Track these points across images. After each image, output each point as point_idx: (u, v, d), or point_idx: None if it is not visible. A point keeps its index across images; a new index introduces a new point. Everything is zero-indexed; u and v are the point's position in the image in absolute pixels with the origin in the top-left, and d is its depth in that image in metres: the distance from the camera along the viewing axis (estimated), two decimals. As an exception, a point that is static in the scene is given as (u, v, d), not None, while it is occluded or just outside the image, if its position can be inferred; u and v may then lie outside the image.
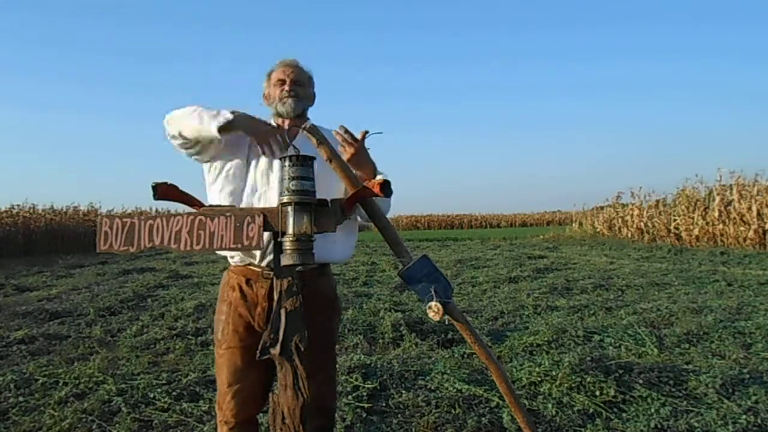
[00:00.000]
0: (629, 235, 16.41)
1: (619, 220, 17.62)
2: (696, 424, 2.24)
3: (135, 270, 8.93)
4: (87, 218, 17.99)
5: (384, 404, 2.57)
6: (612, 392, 2.52)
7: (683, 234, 13.69)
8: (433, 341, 3.66)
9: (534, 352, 3.37)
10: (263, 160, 1.50)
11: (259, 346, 1.29)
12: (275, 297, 1.31)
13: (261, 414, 1.64)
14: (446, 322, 1.28)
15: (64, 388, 2.82)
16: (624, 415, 2.39)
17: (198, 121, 1.39)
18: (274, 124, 1.58)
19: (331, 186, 1.49)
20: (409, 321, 4.00)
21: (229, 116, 1.38)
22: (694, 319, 4.06)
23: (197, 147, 1.46)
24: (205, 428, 2.34)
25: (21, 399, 2.70)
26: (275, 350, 1.27)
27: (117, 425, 2.39)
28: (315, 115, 1.65)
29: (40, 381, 2.95)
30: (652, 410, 2.38)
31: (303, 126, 1.50)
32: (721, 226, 12.62)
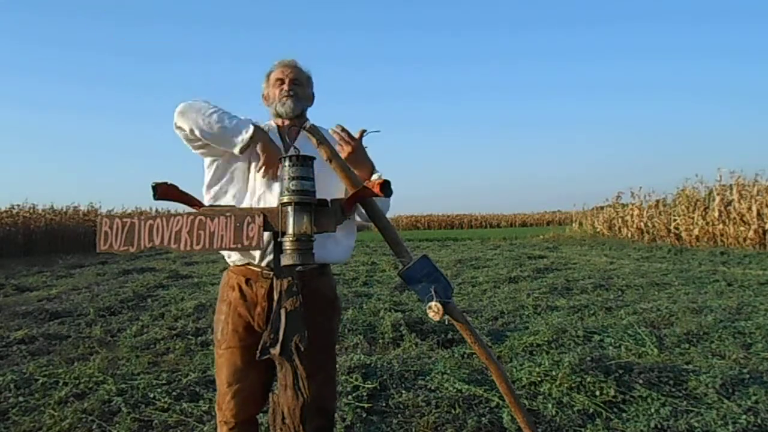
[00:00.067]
0: (629, 235, 16.40)
1: (619, 220, 17.62)
2: (696, 424, 2.24)
3: (135, 270, 8.93)
4: (87, 218, 17.99)
5: (384, 404, 2.56)
6: (612, 392, 2.52)
7: (683, 234, 13.69)
8: (433, 341, 3.66)
9: (534, 352, 3.37)
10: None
11: (259, 346, 1.29)
12: (275, 297, 1.31)
13: (261, 414, 1.64)
14: (446, 322, 1.28)
15: (64, 388, 2.82)
16: (624, 415, 2.39)
17: (219, 131, 1.39)
18: (273, 124, 1.58)
19: (331, 186, 1.49)
20: (409, 321, 4.00)
21: (251, 132, 1.40)
22: (694, 319, 4.06)
23: (201, 142, 1.45)
24: (205, 428, 2.34)
25: (21, 399, 2.70)
26: (275, 350, 1.27)
27: (117, 425, 2.39)
28: (314, 115, 1.65)
29: (40, 381, 2.95)
30: (652, 410, 2.38)
31: (303, 126, 1.50)
32: (721, 226, 12.62)
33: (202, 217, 1.25)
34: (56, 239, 16.18)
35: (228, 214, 1.26)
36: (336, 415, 2.17)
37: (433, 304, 1.24)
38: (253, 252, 1.44)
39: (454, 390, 2.64)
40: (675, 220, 14.13)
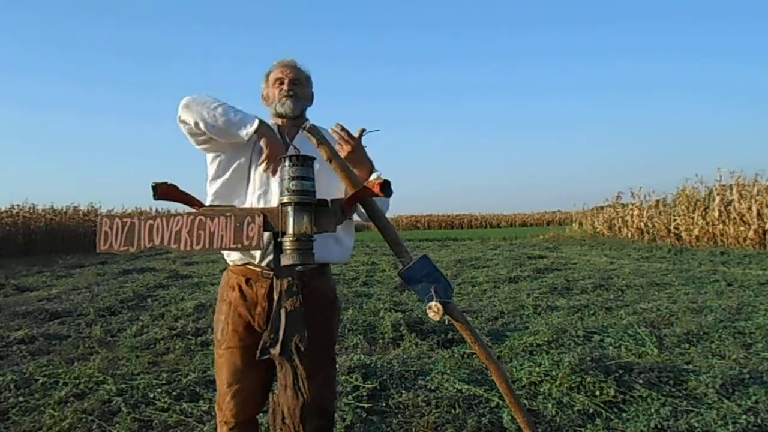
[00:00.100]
0: (629, 235, 16.40)
1: (619, 220, 17.61)
2: (696, 424, 2.24)
3: (135, 270, 8.93)
4: (87, 218, 17.98)
5: (384, 404, 2.56)
6: (612, 392, 2.52)
7: (683, 234, 13.68)
8: (433, 341, 3.66)
9: (534, 352, 3.37)
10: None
11: (259, 346, 1.29)
12: (275, 297, 1.31)
13: (261, 414, 1.64)
14: (446, 322, 1.28)
15: (64, 388, 2.82)
16: (624, 415, 2.39)
17: (224, 124, 1.37)
18: (273, 124, 1.58)
19: (331, 186, 1.49)
20: (409, 321, 4.00)
21: (256, 125, 1.38)
22: (694, 319, 4.06)
23: (206, 136, 1.44)
24: (205, 428, 2.34)
25: (21, 399, 2.70)
26: (275, 350, 1.27)
27: (117, 425, 2.39)
28: (314, 115, 1.65)
29: (40, 381, 2.95)
30: (652, 410, 2.38)
31: (303, 126, 1.50)
32: (721, 226, 12.62)
33: (202, 217, 1.25)
34: (56, 239, 16.18)
35: (228, 214, 1.26)
36: (336, 415, 2.17)
37: (433, 304, 1.24)
38: (253, 252, 1.44)
39: (454, 390, 2.64)
40: (675, 220, 14.13)
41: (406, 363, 3.11)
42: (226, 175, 1.50)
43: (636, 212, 16.35)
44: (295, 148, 1.33)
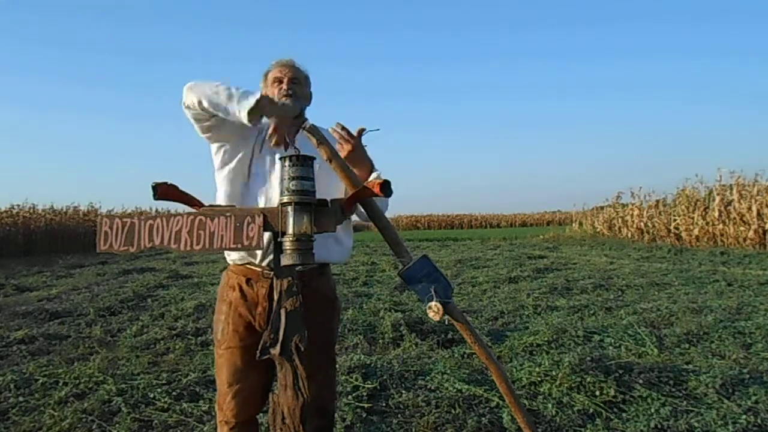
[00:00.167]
0: (629, 235, 16.40)
1: (619, 220, 17.62)
2: (696, 424, 2.24)
3: (135, 270, 8.93)
4: (87, 218, 17.99)
5: (384, 404, 2.56)
6: (612, 392, 2.52)
7: (683, 234, 13.68)
8: (433, 341, 3.66)
9: (534, 352, 3.37)
10: (267, 155, 1.50)
11: (259, 346, 1.29)
12: (275, 297, 1.31)
13: (261, 414, 1.64)
14: (446, 322, 1.28)
15: (64, 388, 2.82)
16: (624, 415, 2.39)
17: (226, 97, 1.33)
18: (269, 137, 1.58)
19: (331, 186, 1.49)
20: (409, 321, 4.00)
21: (258, 96, 1.32)
22: (694, 319, 4.06)
23: (212, 120, 1.42)
24: (205, 428, 2.34)
25: (21, 399, 2.70)
26: (275, 350, 1.27)
27: (117, 425, 2.39)
28: (314, 114, 1.65)
29: (40, 381, 2.95)
30: (652, 410, 2.38)
31: (303, 126, 1.50)
32: (721, 226, 12.62)
33: (202, 217, 1.25)
34: (56, 239, 16.18)
35: (228, 214, 1.26)
36: (336, 415, 2.17)
37: (433, 304, 1.24)
38: (253, 251, 1.44)
39: (454, 390, 2.64)
40: (675, 220, 14.13)
41: (406, 363, 3.12)
42: (232, 164, 1.49)
43: (636, 212, 16.36)
44: (295, 148, 1.32)
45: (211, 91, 1.34)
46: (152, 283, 7.06)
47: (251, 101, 1.30)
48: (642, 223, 15.71)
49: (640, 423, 2.27)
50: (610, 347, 3.42)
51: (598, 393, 2.54)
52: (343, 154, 1.42)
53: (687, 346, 3.45)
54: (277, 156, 1.48)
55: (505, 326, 4.23)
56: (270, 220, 1.25)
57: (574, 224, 23.64)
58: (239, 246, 1.24)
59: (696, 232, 13.22)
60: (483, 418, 2.33)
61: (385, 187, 1.22)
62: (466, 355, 3.28)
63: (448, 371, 2.91)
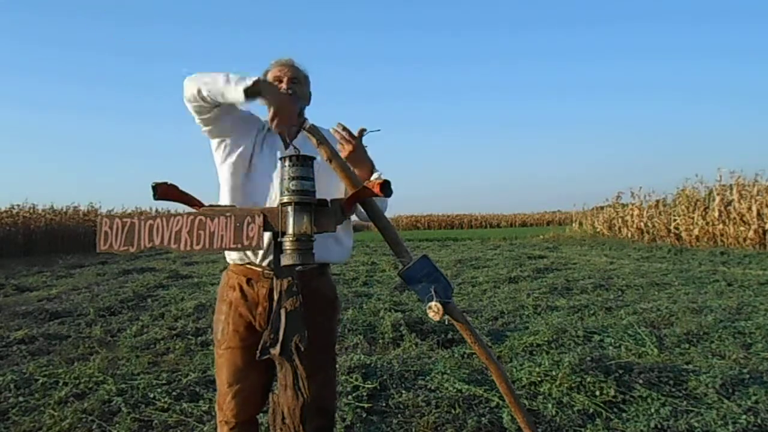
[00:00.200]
0: (629, 235, 16.40)
1: (619, 220, 17.62)
2: (696, 424, 2.24)
3: (135, 270, 8.93)
4: (87, 218, 17.99)
5: (384, 404, 2.56)
6: (612, 392, 2.52)
7: (683, 234, 13.69)
8: (433, 341, 3.66)
9: (534, 352, 3.37)
10: (267, 150, 1.50)
11: (259, 346, 1.29)
12: (275, 297, 1.31)
13: (261, 414, 1.64)
14: (446, 322, 1.28)
15: (64, 388, 2.82)
16: (624, 415, 2.39)
17: (223, 82, 1.34)
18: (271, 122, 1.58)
19: (331, 186, 1.49)
20: (409, 321, 4.00)
21: (255, 78, 1.33)
22: (694, 319, 4.06)
23: (213, 112, 1.42)
24: (205, 428, 2.34)
25: (21, 399, 2.70)
26: (275, 350, 1.27)
27: (117, 425, 2.39)
28: (315, 114, 1.65)
29: (40, 381, 2.95)
30: (652, 410, 2.38)
31: (303, 126, 1.50)
32: (721, 226, 12.62)
33: (202, 217, 1.25)
34: (56, 239, 16.19)
35: (228, 214, 1.26)
36: (336, 415, 2.17)
37: (433, 304, 1.24)
38: (254, 251, 1.44)
39: (454, 390, 2.64)
40: (675, 220, 14.13)
41: (406, 363, 3.12)
42: (232, 158, 1.49)
43: (636, 212, 16.36)
44: (295, 148, 1.32)
45: (209, 78, 1.36)
46: (152, 283, 7.06)
47: (248, 81, 1.31)
48: (642, 223, 15.72)
49: (640, 423, 2.27)
50: (610, 347, 3.42)
51: (598, 393, 2.54)
52: (344, 154, 1.42)
53: (687, 346, 3.45)
54: (278, 153, 1.48)
55: (505, 326, 4.23)
56: (270, 220, 1.25)
57: (574, 224, 23.65)
58: (239, 246, 1.24)
59: (696, 232, 13.23)
60: (483, 418, 2.33)
61: (385, 187, 1.22)
62: (466, 355, 3.28)
63: (448, 371, 2.91)
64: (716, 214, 12.78)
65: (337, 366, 1.69)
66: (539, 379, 2.72)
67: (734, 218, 12.27)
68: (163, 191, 1.25)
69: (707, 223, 13.06)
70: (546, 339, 3.52)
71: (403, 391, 2.67)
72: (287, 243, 1.22)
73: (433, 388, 2.72)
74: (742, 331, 3.69)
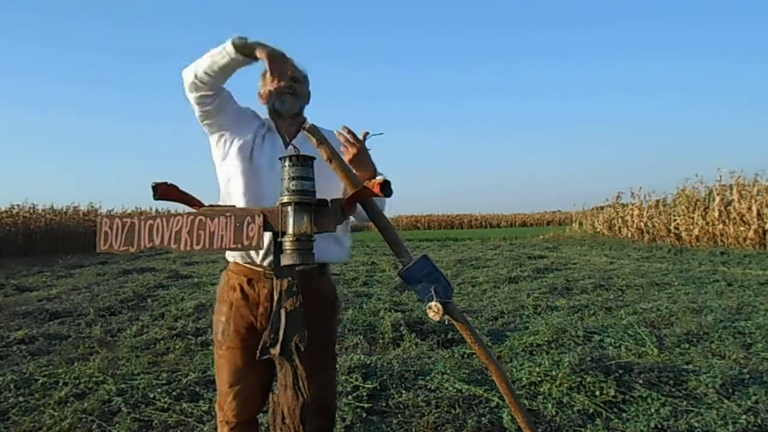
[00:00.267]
0: (629, 235, 16.40)
1: (619, 220, 17.62)
2: (696, 424, 2.24)
3: (135, 270, 8.93)
4: (87, 218, 17.99)
5: (384, 404, 2.57)
6: (612, 392, 2.52)
7: (683, 234, 13.69)
8: (433, 341, 3.66)
9: (534, 352, 3.37)
10: (267, 147, 1.51)
11: (259, 346, 1.29)
12: (275, 297, 1.31)
13: (261, 414, 1.64)
14: (446, 322, 1.28)
15: (64, 388, 2.82)
16: (624, 415, 2.39)
17: (214, 51, 1.36)
18: (272, 121, 1.58)
19: (331, 186, 1.49)
20: (409, 321, 4.00)
21: (245, 38, 1.35)
22: (694, 319, 4.06)
23: (215, 103, 1.43)
24: (205, 428, 2.34)
25: (21, 399, 2.70)
26: (275, 350, 1.27)
27: (117, 425, 2.39)
28: (315, 114, 1.65)
29: (40, 381, 2.95)
30: (652, 410, 2.38)
31: (303, 126, 1.50)
32: (721, 226, 12.62)
33: (202, 217, 1.25)
34: (56, 239, 16.19)
35: (228, 214, 1.26)
36: (336, 415, 2.17)
37: (433, 304, 1.24)
38: (254, 252, 1.44)
39: (454, 390, 2.64)
40: (675, 220, 14.13)
41: (406, 363, 3.12)
42: (233, 151, 1.50)
43: (636, 212, 16.36)
44: (295, 147, 1.32)
45: (203, 61, 1.39)
46: (152, 283, 7.06)
47: (233, 37, 1.34)
48: (642, 223, 15.72)
49: (640, 423, 2.27)
50: (610, 347, 3.42)
51: (598, 393, 2.54)
52: (348, 157, 1.42)
53: (687, 346, 3.45)
54: (279, 152, 1.48)
55: (505, 326, 4.23)
56: (270, 220, 1.25)
57: (574, 224, 23.65)
58: (239, 246, 1.24)
59: (696, 232, 13.23)
60: (483, 418, 2.33)
61: (385, 187, 1.22)
62: (466, 355, 3.28)
63: (448, 371, 2.91)
64: (716, 214, 12.79)
65: (337, 366, 1.69)
66: (539, 379, 2.72)
67: (734, 218, 12.27)
68: (163, 191, 1.25)
69: (707, 223, 13.06)
70: (546, 339, 3.52)
71: (403, 391, 2.67)
72: (287, 243, 1.22)
73: (433, 388, 2.72)
74: (742, 331, 3.69)
